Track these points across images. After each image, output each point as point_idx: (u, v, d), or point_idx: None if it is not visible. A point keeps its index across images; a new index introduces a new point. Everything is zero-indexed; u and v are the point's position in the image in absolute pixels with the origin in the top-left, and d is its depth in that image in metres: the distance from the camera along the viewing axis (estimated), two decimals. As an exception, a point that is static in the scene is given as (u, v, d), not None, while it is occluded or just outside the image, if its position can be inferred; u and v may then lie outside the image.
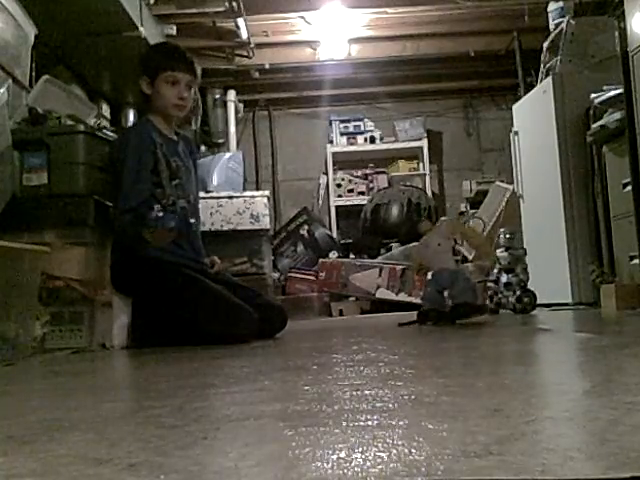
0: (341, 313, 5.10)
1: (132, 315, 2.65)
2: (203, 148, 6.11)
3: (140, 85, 2.75)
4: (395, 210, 5.89)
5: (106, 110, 5.16)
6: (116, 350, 2.57)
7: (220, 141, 6.24)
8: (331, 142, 6.36)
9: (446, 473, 0.57)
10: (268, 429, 0.82)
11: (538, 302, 4.30)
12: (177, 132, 2.91)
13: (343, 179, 6.38)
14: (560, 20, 4.57)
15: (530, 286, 3.58)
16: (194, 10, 4.92)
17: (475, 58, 5.95)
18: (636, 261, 3.51)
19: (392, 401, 0.95)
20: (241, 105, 6.41)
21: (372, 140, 6.35)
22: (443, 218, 3.55)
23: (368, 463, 0.61)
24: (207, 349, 2.23)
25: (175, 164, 2.76)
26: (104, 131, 3.00)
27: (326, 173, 6.41)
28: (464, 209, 6.09)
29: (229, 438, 0.79)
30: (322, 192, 6.51)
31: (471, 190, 6.10)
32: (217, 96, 6.18)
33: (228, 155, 5.75)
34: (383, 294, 4.96)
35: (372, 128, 6.38)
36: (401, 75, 6.26)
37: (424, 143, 6.32)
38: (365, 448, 0.67)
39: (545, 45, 4.72)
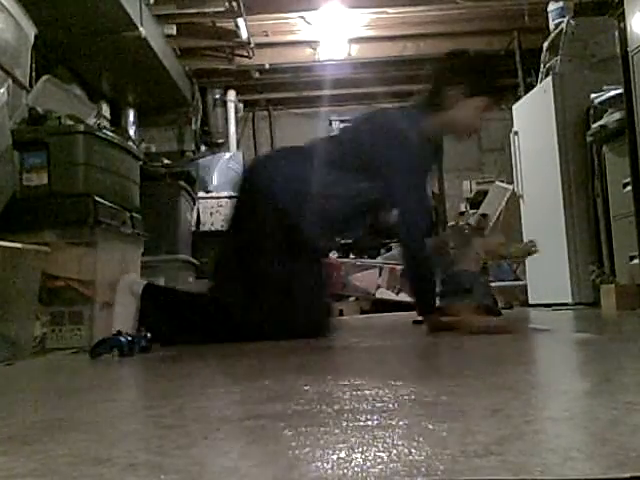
0: (341, 313, 5.10)
1: (156, 313, 2.51)
2: (203, 148, 6.12)
3: (446, 90, 2.41)
4: (395, 210, 5.88)
5: (106, 110, 5.18)
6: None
7: (220, 141, 6.24)
8: (331, 142, 6.35)
9: (446, 473, 0.57)
10: (268, 429, 0.82)
11: (538, 302, 4.30)
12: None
13: (343, 179, 6.38)
14: (560, 20, 4.58)
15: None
16: (194, 10, 4.92)
17: (475, 58, 5.95)
18: (636, 261, 3.51)
19: (392, 401, 0.95)
20: (241, 105, 6.41)
21: (372, 140, 6.34)
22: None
23: (368, 463, 0.61)
24: (209, 349, 2.23)
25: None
26: (104, 131, 3.00)
27: (326, 173, 6.40)
28: (464, 209, 6.09)
29: (229, 438, 0.79)
30: (322, 192, 6.51)
31: (471, 190, 6.10)
32: (217, 96, 6.18)
33: (228, 155, 5.76)
34: (383, 294, 4.96)
35: (372, 128, 6.38)
36: (401, 75, 6.25)
37: (424, 143, 6.31)
38: (365, 448, 0.67)
39: (545, 45, 4.72)
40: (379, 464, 0.61)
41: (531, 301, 4.44)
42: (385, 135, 2.42)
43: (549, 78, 4.25)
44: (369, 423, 0.80)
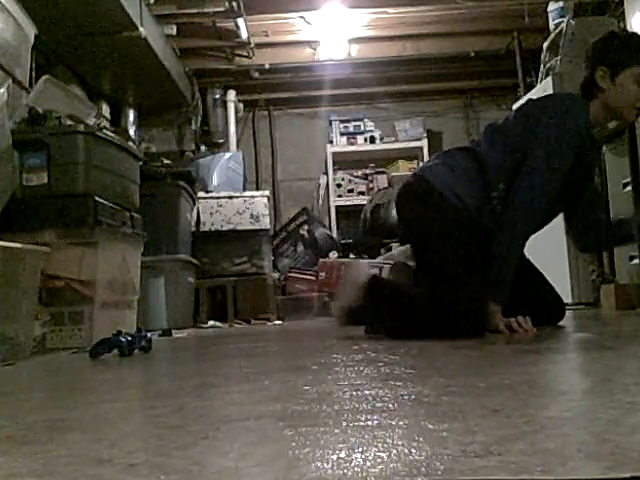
0: (341, 313, 5.09)
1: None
2: (203, 148, 6.12)
3: (594, 74, 2.37)
4: (395, 210, 5.88)
5: (106, 110, 5.18)
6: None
7: (220, 141, 6.24)
8: (331, 142, 6.36)
9: (446, 473, 0.57)
10: (268, 429, 0.82)
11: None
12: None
13: (343, 179, 6.38)
14: (560, 20, 4.58)
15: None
16: (194, 10, 4.92)
17: (475, 58, 5.95)
18: (636, 261, 3.51)
19: (392, 401, 0.95)
20: (241, 105, 6.41)
21: (372, 140, 6.35)
22: None
23: (368, 463, 0.61)
24: (210, 350, 2.23)
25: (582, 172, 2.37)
26: (104, 131, 3.00)
27: (326, 173, 6.40)
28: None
29: (229, 438, 0.79)
30: (322, 192, 6.51)
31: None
32: (217, 96, 6.18)
33: (228, 155, 5.76)
34: (383, 294, 4.95)
35: (372, 128, 6.38)
36: (401, 75, 6.25)
37: (424, 143, 6.32)
38: (365, 448, 0.67)
39: (545, 45, 4.71)
40: (379, 464, 0.61)
41: (531, 301, 4.44)
42: (552, 108, 2.33)
43: (549, 78, 4.25)
44: (369, 423, 0.80)
